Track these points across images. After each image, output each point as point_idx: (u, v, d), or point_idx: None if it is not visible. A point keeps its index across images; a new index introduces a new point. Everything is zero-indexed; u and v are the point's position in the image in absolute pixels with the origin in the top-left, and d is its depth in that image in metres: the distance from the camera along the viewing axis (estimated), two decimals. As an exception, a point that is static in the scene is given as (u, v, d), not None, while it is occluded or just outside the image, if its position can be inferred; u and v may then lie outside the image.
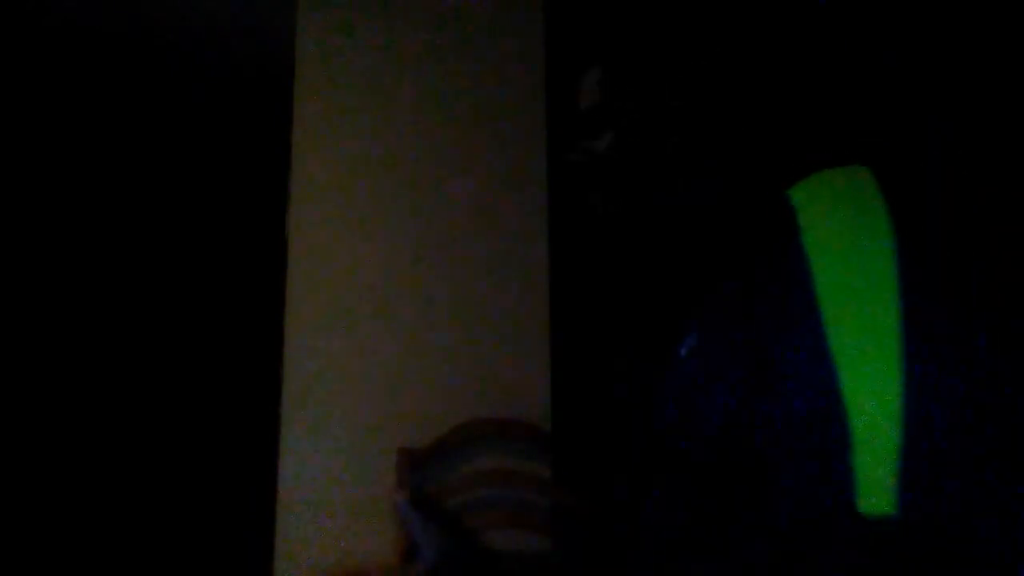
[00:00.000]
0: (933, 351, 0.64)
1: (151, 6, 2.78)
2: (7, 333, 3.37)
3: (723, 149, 0.81)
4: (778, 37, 0.80)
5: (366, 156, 2.26)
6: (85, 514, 3.40)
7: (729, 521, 0.71)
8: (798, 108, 0.81)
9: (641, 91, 0.82)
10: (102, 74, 3.14)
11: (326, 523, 2.03)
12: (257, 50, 2.93)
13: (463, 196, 2.25)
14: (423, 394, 2.14)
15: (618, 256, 0.89)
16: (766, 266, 0.73)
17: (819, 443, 0.64)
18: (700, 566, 0.72)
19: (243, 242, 3.47)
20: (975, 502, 0.60)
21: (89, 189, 3.57)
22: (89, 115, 3.35)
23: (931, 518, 0.60)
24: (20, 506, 3.27)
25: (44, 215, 3.53)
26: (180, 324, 3.69)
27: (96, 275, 3.60)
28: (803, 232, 0.71)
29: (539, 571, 0.74)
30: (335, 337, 2.16)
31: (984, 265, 0.69)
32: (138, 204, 3.65)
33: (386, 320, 2.18)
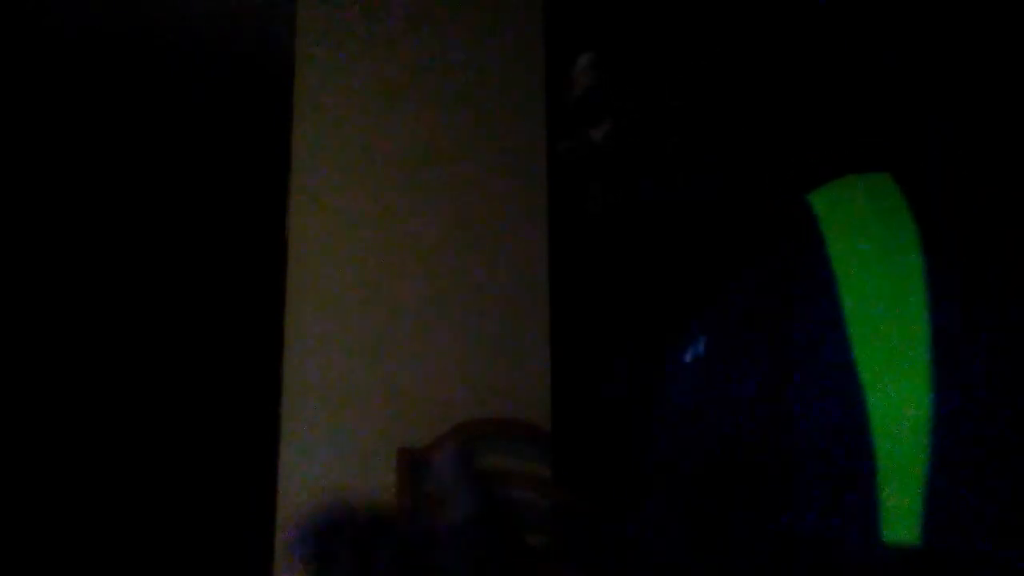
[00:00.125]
0: (965, 373, 0.61)
1: (151, 6, 2.78)
2: (7, 333, 3.37)
3: (725, 145, 0.80)
4: (777, 37, 0.80)
5: (366, 156, 2.26)
6: (85, 514, 3.40)
7: (732, 545, 0.69)
8: (797, 107, 0.80)
9: (639, 87, 0.81)
10: (102, 74, 3.14)
11: (326, 523, 2.03)
12: (257, 50, 2.93)
13: (463, 195, 2.25)
14: (423, 394, 2.14)
15: (618, 254, 0.87)
16: (786, 277, 0.70)
17: (841, 467, 0.61)
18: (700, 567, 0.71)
19: (243, 242, 3.47)
20: (1006, 532, 0.58)
21: (89, 189, 3.57)
22: (89, 115, 3.35)
23: (958, 549, 0.58)
24: (20, 506, 3.27)
25: (44, 215, 3.53)
26: (180, 324, 3.69)
27: (96, 275, 3.59)
28: (827, 243, 0.68)
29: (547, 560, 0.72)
30: (335, 337, 2.16)
31: (1019, 280, 0.66)
32: (138, 204, 3.65)
33: (386, 320, 2.18)
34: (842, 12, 0.83)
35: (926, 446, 0.59)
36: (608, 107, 0.83)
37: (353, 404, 2.12)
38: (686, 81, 0.80)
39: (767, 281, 0.72)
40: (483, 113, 2.30)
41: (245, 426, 2.98)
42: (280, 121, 2.29)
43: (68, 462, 3.44)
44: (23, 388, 3.37)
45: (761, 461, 0.67)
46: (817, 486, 0.62)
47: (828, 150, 0.81)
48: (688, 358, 0.81)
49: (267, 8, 2.71)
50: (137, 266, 3.68)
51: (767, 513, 0.65)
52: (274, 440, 2.10)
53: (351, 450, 2.09)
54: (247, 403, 3.04)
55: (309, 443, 2.09)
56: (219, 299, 3.66)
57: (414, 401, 2.13)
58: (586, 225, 0.86)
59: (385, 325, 2.18)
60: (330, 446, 2.09)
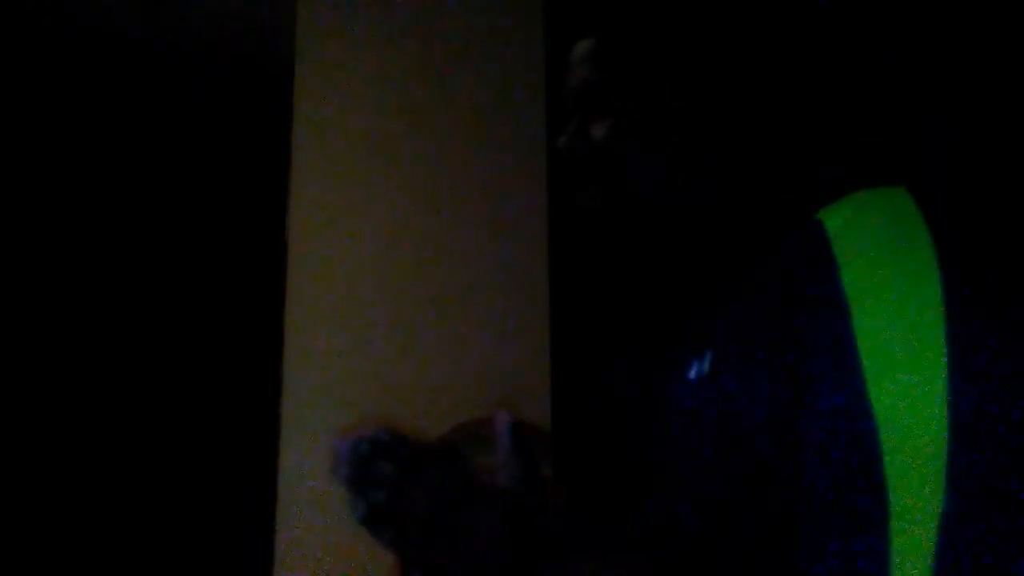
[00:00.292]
0: (983, 414, 0.58)
1: (151, 6, 2.78)
2: (7, 333, 3.37)
3: (726, 145, 0.79)
4: (776, 37, 0.80)
5: (366, 156, 2.26)
6: (85, 514, 3.40)
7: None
8: (797, 107, 0.80)
9: (639, 87, 0.81)
10: (101, 74, 3.14)
11: (326, 523, 2.03)
12: (257, 50, 2.92)
13: (463, 195, 2.25)
14: (423, 394, 2.13)
15: (618, 254, 0.86)
16: (798, 302, 0.66)
17: (851, 508, 0.58)
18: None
19: (243, 242, 3.47)
20: None
21: (88, 189, 3.57)
22: (89, 115, 3.35)
23: None
24: (20, 506, 3.27)
25: (44, 215, 3.53)
26: (180, 324, 3.69)
27: (95, 275, 3.59)
28: (840, 269, 0.65)
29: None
30: (335, 337, 2.16)
31: None
32: (138, 204, 3.65)
33: (386, 320, 2.18)
34: (842, 12, 0.83)
35: (942, 491, 0.57)
36: (608, 107, 0.82)
37: (353, 404, 2.12)
38: (686, 81, 0.79)
39: (777, 305, 0.69)
40: (483, 113, 2.30)
41: (245, 426, 2.98)
42: (280, 121, 2.29)
43: (68, 462, 3.44)
44: (23, 389, 3.37)
45: (768, 497, 0.65)
46: (827, 528, 0.59)
47: (828, 150, 0.80)
48: (692, 375, 0.79)
49: (267, 8, 2.71)
50: (137, 266, 3.68)
51: (775, 552, 0.63)
52: (274, 440, 2.10)
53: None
54: (247, 403, 3.04)
55: (309, 443, 2.09)
56: (219, 299, 3.66)
57: (414, 401, 2.13)
58: (586, 225, 0.85)
59: (385, 325, 2.17)
60: (330, 446, 2.09)
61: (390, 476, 0.70)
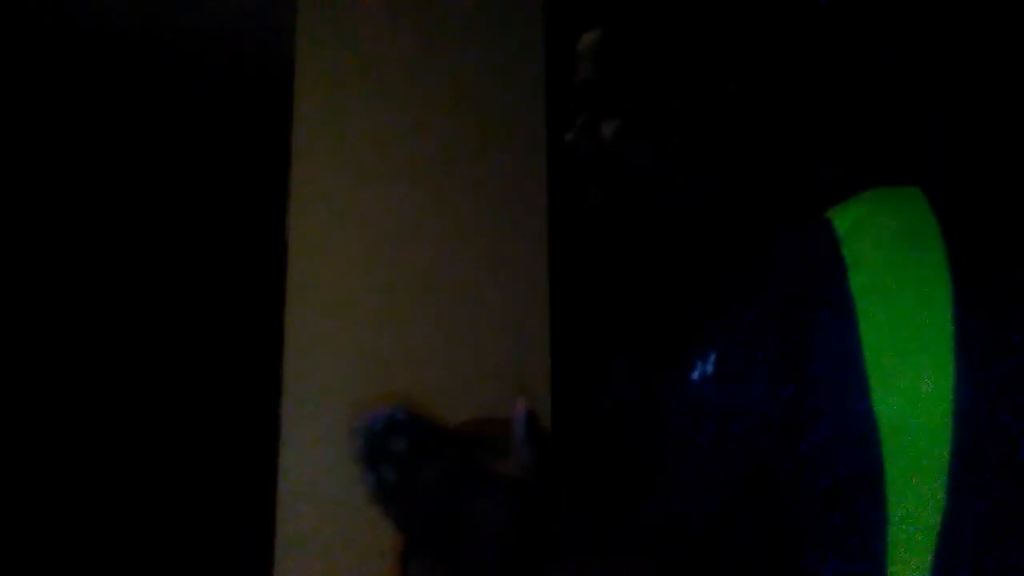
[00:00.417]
0: (989, 427, 0.58)
1: (151, 6, 2.78)
2: (7, 333, 3.37)
3: (726, 145, 0.79)
4: (776, 36, 0.80)
5: (366, 155, 2.26)
6: (85, 513, 3.40)
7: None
8: (796, 107, 0.80)
9: (640, 87, 0.81)
10: (101, 74, 3.14)
11: (326, 522, 2.03)
12: (257, 50, 2.92)
13: (463, 195, 2.25)
14: (423, 394, 2.13)
15: (619, 254, 0.86)
16: (804, 303, 0.65)
17: (851, 510, 0.59)
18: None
19: (243, 242, 3.47)
20: None
21: (89, 188, 3.57)
22: (89, 115, 3.34)
23: None
24: (20, 506, 3.27)
25: (44, 215, 3.53)
26: (180, 324, 3.69)
27: (95, 275, 3.59)
28: (849, 270, 0.63)
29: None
30: (335, 337, 2.16)
31: None
32: (138, 204, 3.65)
33: (386, 320, 2.18)
34: (842, 12, 0.83)
35: (942, 501, 0.57)
36: (609, 107, 0.82)
37: (353, 404, 2.12)
38: (687, 81, 0.79)
39: (784, 305, 0.68)
40: (483, 112, 2.30)
41: (245, 426, 2.98)
42: (280, 121, 2.29)
43: (68, 462, 3.44)
44: (23, 389, 3.37)
45: (768, 497, 0.65)
46: (826, 530, 0.59)
47: (828, 150, 0.80)
48: (696, 377, 0.79)
49: (267, 9, 2.71)
50: (137, 266, 3.68)
51: (775, 552, 0.63)
52: (274, 440, 2.10)
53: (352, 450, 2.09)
54: (247, 403, 3.04)
55: (309, 443, 2.09)
56: (219, 299, 3.66)
57: (414, 401, 2.12)
58: (587, 225, 0.85)
59: (385, 325, 2.17)
60: (330, 446, 2.09)
61: (402, 453, 0.70)
